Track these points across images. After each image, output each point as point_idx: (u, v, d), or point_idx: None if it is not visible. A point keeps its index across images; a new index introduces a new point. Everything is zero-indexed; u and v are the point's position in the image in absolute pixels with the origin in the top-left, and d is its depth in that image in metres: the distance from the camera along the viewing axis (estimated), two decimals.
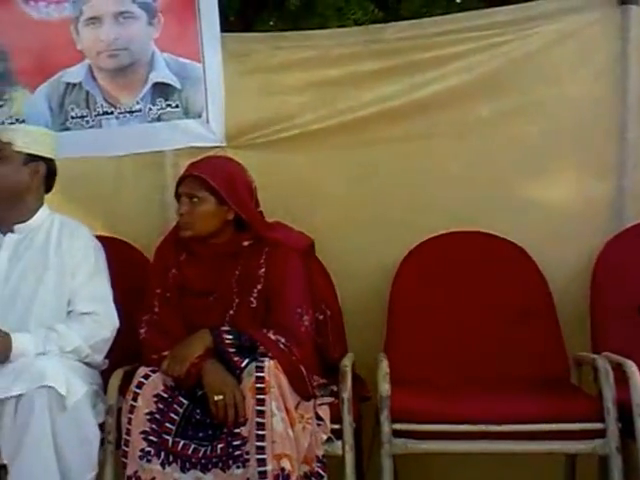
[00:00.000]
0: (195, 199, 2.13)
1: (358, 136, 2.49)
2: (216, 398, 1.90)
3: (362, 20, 2.96)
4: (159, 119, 2.58)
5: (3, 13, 2.67)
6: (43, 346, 1.98)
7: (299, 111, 2.52)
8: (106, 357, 2.16)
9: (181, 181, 2.18)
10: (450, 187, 2.48)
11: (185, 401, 1.96)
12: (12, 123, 2.67)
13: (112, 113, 2.63)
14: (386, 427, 1.99)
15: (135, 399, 1.96)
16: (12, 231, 2.15)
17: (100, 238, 2.29)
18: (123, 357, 2.18)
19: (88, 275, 2.13)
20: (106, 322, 2.10)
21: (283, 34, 2.66)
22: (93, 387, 2.05)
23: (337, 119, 2.49)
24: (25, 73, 2.67)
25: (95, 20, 2.60)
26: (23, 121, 2.66)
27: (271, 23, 3.23)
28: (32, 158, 2.14)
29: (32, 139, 2.16)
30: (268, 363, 1.92)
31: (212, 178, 2.12)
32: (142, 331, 2.14)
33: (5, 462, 1.88)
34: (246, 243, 2.17)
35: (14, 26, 2.67)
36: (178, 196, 2.18)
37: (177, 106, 2.57)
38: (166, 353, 2.01)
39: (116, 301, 2.17)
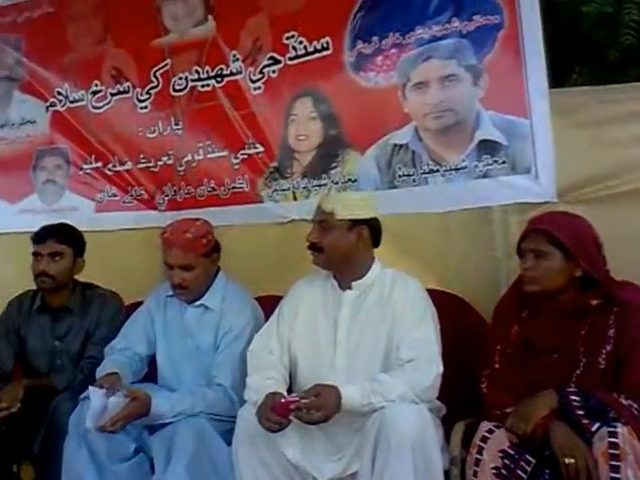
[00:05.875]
0: (540, 254, 2.11)
1: None
2: (567, 461, 1.86)
3: None
4: (485, 175, 2.65)
5: (336, 83, 2.96)
6: (369, 397, 2.05)
7: (637, 164, 2.42)
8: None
9: (525, 236, 2.17)
10: None
11: (532, 459, 1.94)
12: (345, 182, 2.95)
13: (438, 171, 2.75)
14: None
15: (480, 452, 1.99)
16: (350, 287, 2.32)
17: (431, 292, 2.37)
18: (461, 409, 2.23)
19: (412, 323, 2.20)
20: (426, 368, 2.12)
21: (611, 87, 2.60)
22: (439, 433, 2.12)
23: None
24: (355, 136, 2.93)
25: (422, 85, 2.77)
26: (355, 181, 2.92)
27: (587, 75, 3.16)
28: (354, 223, 2.27)
29: (351, 206, 2.28)
30: (622, 429, 1.85)
31: (559, 232, 2.09)
32: (483, 386, 2.18)
33: None
34: (594, 302, 2.09)
35: (345, 94, 2.94)
36: (521, 251, 2.17)
37: (504, 162, 2.61)
38: (509, 410, 2.02)
39: (448, 352, 2.20)
